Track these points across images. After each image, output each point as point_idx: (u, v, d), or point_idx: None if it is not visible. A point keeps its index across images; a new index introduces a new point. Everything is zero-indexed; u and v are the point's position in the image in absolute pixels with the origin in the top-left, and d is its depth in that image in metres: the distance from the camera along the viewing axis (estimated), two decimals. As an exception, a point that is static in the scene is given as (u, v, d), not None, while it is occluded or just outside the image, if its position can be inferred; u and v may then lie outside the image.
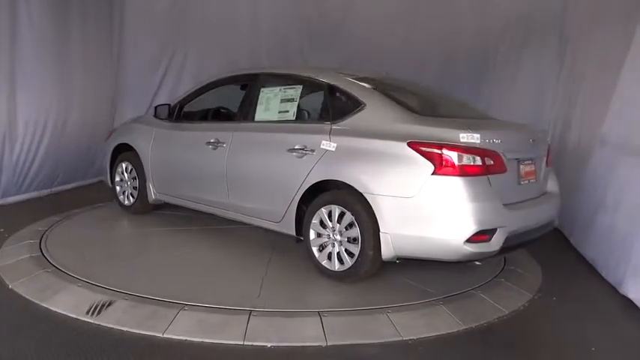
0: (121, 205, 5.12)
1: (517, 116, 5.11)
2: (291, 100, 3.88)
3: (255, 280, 3.44)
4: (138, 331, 2.76)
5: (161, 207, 5.08)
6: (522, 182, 3.47)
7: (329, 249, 3.50)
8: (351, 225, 3.36)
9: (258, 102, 4.08)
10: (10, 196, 5.46)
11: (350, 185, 3.35)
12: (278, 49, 7.38)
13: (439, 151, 3.08)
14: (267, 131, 3.95)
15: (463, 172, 3.05)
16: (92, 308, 2.95)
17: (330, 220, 3.47)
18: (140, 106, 7.08)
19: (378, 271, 3.44)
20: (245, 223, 4.18)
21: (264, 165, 3.86)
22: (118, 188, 5.15)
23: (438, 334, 2.88)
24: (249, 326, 2.80)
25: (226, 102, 4.74)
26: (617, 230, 3.75)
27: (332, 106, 3.73)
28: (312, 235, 3.58)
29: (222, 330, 2.79)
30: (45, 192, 5.98)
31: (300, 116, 3.88)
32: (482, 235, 3.06)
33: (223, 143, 4.11)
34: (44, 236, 4.22)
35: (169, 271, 3.63)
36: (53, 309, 2.99)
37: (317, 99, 3.92)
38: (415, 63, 6.67)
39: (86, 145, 6.62)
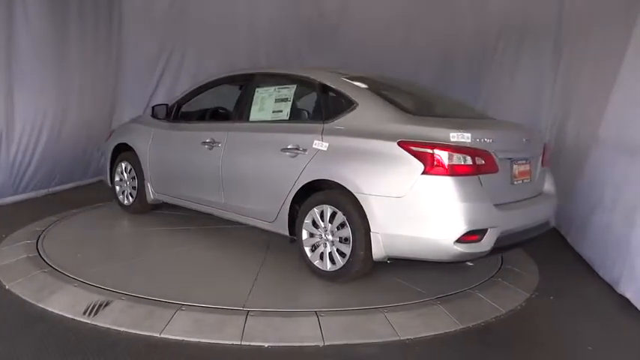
0: (121, 204, 5.13)
1: (515, 116, 5.14)
2: (285, 99, 3.88)
3: (253, 279, 3.43)
4: (135, 332, 2.76)
5: (160, 207, 5.08)
6: (516, 182, 3.45)
7: (321, 249, 3.49)
8: (342, 225, 3.35)
9: (253, 102, 4.08)
10: (7, 197, 5.45)
11: (341, 185, 3.34)
12: (277, 49, 7.38)
13: (429, 151, 3.05)
14: (261, 131, 3.95)
15: (453, 171, 3.03)
16: (89, 308, 2.95)
17: (322, 220, 3.46)
18: (138, 106, 7.10)
19: (370, 271, 3.43)
20: (241, 223, 4.18)
21: (258, 165, 3.85)
22: (117, 188, 5.16)
23: (436, 333, 2.88)
24: (246, 326, 2.80)
25: (223, 102, 4.76)
26: (614, 229, 3.74)
27: (325, 106, 3.71)
28: (305, 235, 3.57)
29: (219, 330, 2.78)
30: (42, 192, 5.97)
31: (293, 116, 3.87)
32: (472, 236, 3.04)
33: (218, 143, 4.11)
34: (41, 236, 4.21)
35: (167, 270, 3.63)
36: (50, 309, 2.98)
37: (310, 99, 3.93)
38: (414, 63, 6.67)
39: (84, 145, 6.62)
